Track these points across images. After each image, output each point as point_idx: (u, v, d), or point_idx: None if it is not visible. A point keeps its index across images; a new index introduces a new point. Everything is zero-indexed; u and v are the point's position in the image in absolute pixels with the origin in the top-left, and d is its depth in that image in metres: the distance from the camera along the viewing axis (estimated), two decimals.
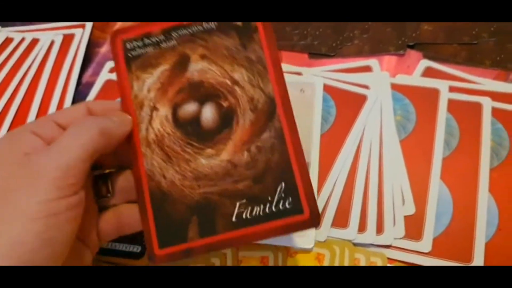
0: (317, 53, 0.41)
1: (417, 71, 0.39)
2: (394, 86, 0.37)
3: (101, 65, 0.43)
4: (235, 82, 0.25)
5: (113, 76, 0.42)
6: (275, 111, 0.24)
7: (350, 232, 0.32)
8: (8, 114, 0.40)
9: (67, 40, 0.44)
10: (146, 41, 0.26)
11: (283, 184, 0.24)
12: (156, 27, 0.26)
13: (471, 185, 0.33)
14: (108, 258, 0.32)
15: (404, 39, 0.41)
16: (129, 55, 0.26)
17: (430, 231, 0.31)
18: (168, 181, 0.24)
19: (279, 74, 0.25)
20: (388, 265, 0.31)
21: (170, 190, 0.24)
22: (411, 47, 0.40)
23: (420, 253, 0.31)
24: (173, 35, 0.26)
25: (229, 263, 0.31)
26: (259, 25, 0.26)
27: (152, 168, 0.25)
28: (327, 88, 0.37)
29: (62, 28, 0.45)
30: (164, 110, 0.25)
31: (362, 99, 0.37)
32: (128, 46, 0.26)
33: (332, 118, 0.36)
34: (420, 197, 0.33)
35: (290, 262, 0.31)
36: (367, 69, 0.39)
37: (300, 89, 0.37)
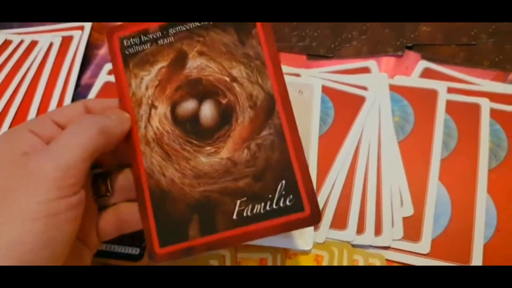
0: (316, 54, 0.41)
1: (415, 72, 0.39)
2: (393, 87, 0.37)
3: (99, 67, 0.43)
4: (233, 79, 0.25)
5: (112, 78, 0.41)
6: (274, 108, 0.24)
7: (349, 234, 0.32)
8: (7, 116, 0.40)
9: (66, 42, 0.44)
10: (143, 38, 0.26)
11: (283, 181, 0.24)
12: (153, 24, 0.26)
13: (470, 186, 0.33)
14: (106, 260, 0.32)
15: (402, 40, 0.41)
16: (126, 52, 0.26)
17: (428, 232, 0.32)
18: (168, 179, 0.24)
19: (278, 70, 0.25)
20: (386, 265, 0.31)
21: (170, 189, 0.24)
22: (410, 48, 0.40)
23: (418, 255, 0.31)
24: (170, 31, 0.26)
25: (227, 264, 0.31)
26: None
27: (151, 166, 0.24)
28: (325, 90, 0.37)
29: (60, 30, 0.45)
30: (162, 108, 0.25)
31: (360, 100, 0.37)
32: (125, 43, 0.26)
33: (331, 119, 0.36)
34: (418, 198, 0.33)
35: (288, 264, 0.31)
36: (366, 70, 0.39)
37: (299, 90, 0.37)
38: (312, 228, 0.32)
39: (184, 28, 0.26)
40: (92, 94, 0.41)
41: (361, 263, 0.31)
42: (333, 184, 0.33)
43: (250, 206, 0.23)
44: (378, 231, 0.32)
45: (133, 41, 0.26)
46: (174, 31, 0.26)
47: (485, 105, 0.36)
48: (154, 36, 0.26)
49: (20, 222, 0.19)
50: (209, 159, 0.24)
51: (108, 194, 0.26)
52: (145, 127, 0.25)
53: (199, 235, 0.23)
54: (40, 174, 0.20)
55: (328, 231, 0.32)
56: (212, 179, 0.24)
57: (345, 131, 0.35)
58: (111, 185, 0.26)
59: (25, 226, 0.19)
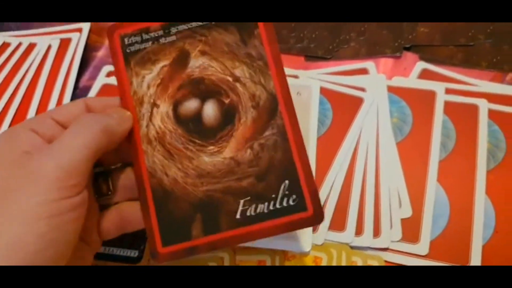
0: (314, 56, 0.41)
1: (413, 73, 0.39)
2: (391, 89, 0.37)
3: (98, 69, 0.43)
4: (236, 78, 0.25)
5: (110, 80, 0.42)
6: (277, 108, 0.24)
7: (347, 235, 0.32)
8: (6, 119, 0.40)
9: (64, 44, 0.44)
10: (145, 36, 0.26)
11: (286, 181, 0.24)
12: (154, 23, 0.26)
13: (468, 188, 0.33)
14: (105, 262, 0.32)
15: (400, 41, 0.41)
16: (127, 50, 0.26)
17: (427, 233, 0.31)
18: (171, 178, 0.24)
19: (281, 71, 0.25)
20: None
21: (172, 188, 0.24)
22: (408, 49, 0.40)
23: (417, 256, 0.31)
24: (171, 30, 0.26)
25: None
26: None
27: (153, 165, 0.24)
28: (323, 91, 0.37)
29: (59, 32, 0.45)
30: (164, 107, 0.25)
31: (358, 101, 0.37)
32: (126, 41, 0.26)
33: (329, 121, 0.36)
34: (416, 200, 0.33)
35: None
36: (364, 71, 0.39)
37: (297, 92, 0.37)
38: (310, 229, 0.32)
39: (186, 27, 0.26)
40: (91, 96, 0.41)
41: (359, 264, 0.31)
42: (332, 186, 0.33)
43: (253, 206, 0.23)
44: (376, 232, 0.32)
45: (134, 39, 0.26)
46: (175, 30, 0.26)
47: (483, 106, 0.36)
48: (156, 35, 0.26)
49: (22, 223, 0.19)
50: (212, 158, 0.24)
51: (109, 193, 0.25)
52: (147, 126, 0.25)
53: (202, 234, 0.23)
54: (43, 174, 0.20)
55: (326, 232, 0.32)
56: (215, 178, 0.24)
57: (343, 133, 0.35)
58: (112, 184, 0.26)
59: (28, 226, 0.19)
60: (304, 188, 0.23)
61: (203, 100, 0.25)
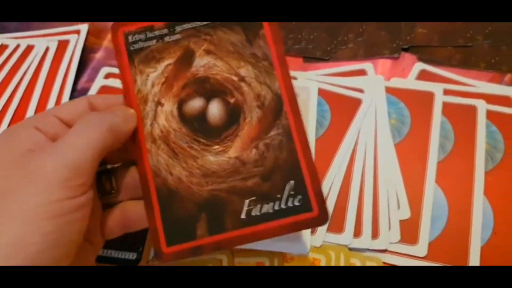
0: (312, 57, 0.41)
1: (411, 74, 0.39)
2: (389, 90, 0.37)
3: (96, 71, 0.43)
4: (241, 78, 0.25)
5: (109, 82, 0.42)
6: (282, 108, 0.24)
7: (346, 237, 0.32)
8: (4, 121, 0.40)
9: (62, 46, 0.44)
10: (149, 34, 0.26)
11: (291, 182, 0.24)
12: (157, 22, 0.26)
13: (466, 189, 0.33)
14: (103, 265, 0.32)
15: (398, 42, 0.41)
16: (131, 48, 0.26)
17: (425, 235, 0.31)
18: (175, 178, 0.24)
19: (285, 71, 0.25)
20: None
21: (177, 187, 0.24)
22: (406, 50, 0.40)
23: (415, 257, 0.31)
24: (176, 29, 0.26)
25: None
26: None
27: (158, 164, 0.24)
28: (321, 92, 0.37)
29: (56, 34, 0.45)
30: (169, 106, 0.25)
31: (356, 103, 0.37)
32: (130, 39, 0.26)
33: (327, 122, 0.36)
34: (415, 201, 0.33)
35: None
36: (362, 72, 0.39)
37: None
38: (309, 231, 0.32)
39: (191, 26, 0.26)
40: None
41: None
42: (330, 187, 0.33)
43: (258, 206, 0.23)
44: (375, 234, 0.32)
45: (139, 37, 0.26)
46: (180, 29, 0.26)
47: (482, 106, 0.36)
48: (160, 33, 0.26)
49: (26, 222, 0.19)
50: (217, 158, 0.24)
51: (112, 192, 0.25)
52: (151, 125, 0.25)
53: (207, 234, 0.23)
54: (48, 174, 0.20)
55: (325, 234, 0.32)
56: (220, 178, 0.24)
57: (342, 134, 0.35)
58: (115, 182, 0.25)
59: (32, 226, 0.19)
60: (309, 188, 0.24)
61: (208, 99, 0.25)
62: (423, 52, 0.40)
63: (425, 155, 0.34)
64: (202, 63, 0.25)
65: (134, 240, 0.32)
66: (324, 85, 0.38)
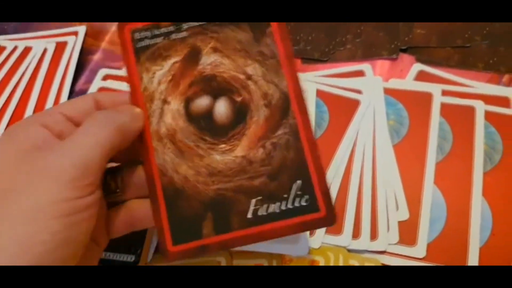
0: (310, 58, 0.41)
1: (410, 75, 0.39)
2: (387, 91, 0.37)
3: (94, 73, 0.43)
4: (248, 76, 0.25)
5: (107, 84, 0.42)
6: (289, 107, 0.24)
7: (344, 239, 0.32)
8: (1, 123, 0.40)
9: (60, 47, 0.44)
10: (155, 31, 0.25)
11: (298, 181, 0.23)
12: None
13: (465, 190, 0.33)
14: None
15: (396, 43, 0.41)
16: (138, 45, 0.25)
17: (424, 236, 0.31)
18: (181, 176, 0.24)
19: (293, 69, 0.25)
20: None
21: (183, 186, 0.24)
22: (404, 51, 0.40)
23: (414, 259, 0.31)
24: (183, 26, 0.25)
25: None
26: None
27: (164, 163, 0.24)
28: (320, 94, 0.37)
29: (54, 36, 0.45)
30: (175, 104, 0.25)
31: (355, 104, 0.37)
32: (136, 36, 0.26)
33: (325, 123, 0.36)
34: (413, 202, 0.33)
35: None
36: (360, 73, 0.39)
37: None
38: (307, 233, 0.32)
39: (198, 24, 0.25)
40: None
41: None
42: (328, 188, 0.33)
43: (265, 206, 0.23)
44: (373, 235, 0.32)
45: (145, 34, 0.25)
46: (187, 26, 0.25)
47: (480, 107, 0.36)
48: (167, 30, 0.25)
49: (36, 221, 0.19)
50: (224, 157, 0.24)
51: (117, 190, 0.25)
52: (157, 123, 0.25)
53: (213, 233, 0.23)
54: (57, 172, 0.20)
55: (323, 236, 0.32)
56: (226, 177, 0.24)
57: (340, 135, 0.35)
58: (120, 181, 0.25)
59: (42, 225, 0.19)
60: (317, 188, 0.23)
61: (215, 98, 0.25)
62: (421, 53, 0.40)
63: (423, 156, 0.34)
64: (209, 61, 0.25)
65: (132, 242, 0.32)
66: (322, 86, 0.38)
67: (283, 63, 0.25)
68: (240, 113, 0.24)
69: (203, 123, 0.24)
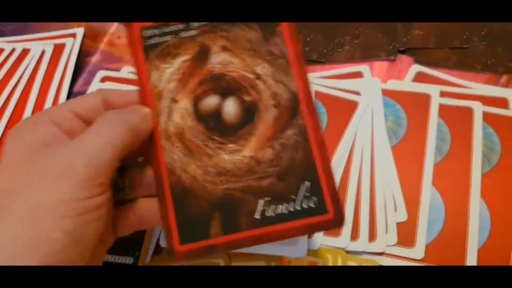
0: (308, 59, 0.41)
1: (408, 76, 0.39)
2: (385, 92, 0.37)
3: (92, 75, 0.43)
4: (257, 76, 0.24)
5: (105, 86, 0.42)
6: (298, 108, 0.24)
7: (343, 240, 0.32)
8: (0, 125, 0.40)
9: (58, 49, 0.44)
10: (165, 29, 0.25)
11: (307, 183, 0.23)
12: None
13: (463, 191, 0.33)
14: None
15: (394, 44, 0.41)
16: (147, 43, 0.25)
17: (422, 237, 0.31)
18: (190, 176, 0.24)
19: (302, 70, 0.24)
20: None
21: (191, 185, 0.24)
22: (402, 52, 0.40)
23: (413, 260, 0.31)
24: (192, 24, 0.25)
25: None
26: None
27: (172, 162, 0.24)
28: (318, 95, 0.37)
29: (52, 38, 0.45)
30: (184, 102, 0.24)
31: (353, 105, 0.37)
32: (145, 33, 0.25)
33: (324, 125, 0.36)
34: (412, 204, 0.33)
35: None
36: (358, 75, 0.39)
37: None
38: (306, 235, 0.32)
39: (208, 22, 0.25)
40: None
41: None
42: None
43: (273, 206, 0.23)
44: (372, 237, 0.32)
45: (154, 32, 0.25)
46: (197, 24, 0.25)
47: (478, 108, 0.36)
48: (176, 28, 0.25)
49: (47, 220, 0.19)
50: (232, 156, 0.24)
51: (125, 189, 0.25)
52: (166, 122, 0.24)
53: (221, 233, 0.23)
54: (70, 172, 0.20)
55: (322, 237, 0.32)
56: (235, 177, 0.24)
57: (338, 137, 0.35)
58: (127, 180, 0.25)
59: (53, 223, 0.19)
60: (325, 190, 0.23)
61: (224, 97, 0.24)
62: (420, 54, 0.40)
63: (421, 157, 0.34)
64: (218, 60, 0.25)
65: (131, 244, 0.32)
66: (320, 88, 0.38)
67: (293, 63, 0.25)
68: (249, 113, 0.24)
69: (211, 122, 0.24)
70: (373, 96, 0.37)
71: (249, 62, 0.25)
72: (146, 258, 0.32)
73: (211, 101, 0.24)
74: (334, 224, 0.23)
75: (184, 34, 0.25)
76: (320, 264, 0.31)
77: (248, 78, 0.25)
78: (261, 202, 0.23)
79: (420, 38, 0.41)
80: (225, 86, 0.24)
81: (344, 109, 0.37)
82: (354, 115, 0.36)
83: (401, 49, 0.40)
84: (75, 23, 0.46)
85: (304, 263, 0.31)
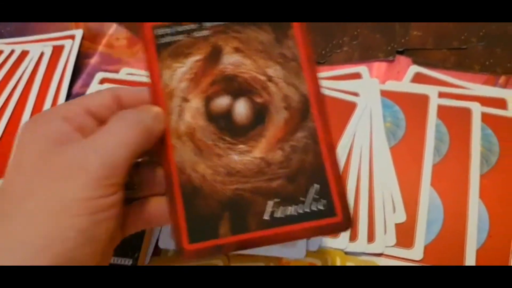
0: None
1: (406, 77, 0.39)
2: (384, 93, 0.38)
3: (91, 76, 0.43)
4: (269, 78, 0.25)
5: (104, 87, 0.42)
6: (309, 111, 0.24)
7: (342, 241, 0.32)
8: None
9: (57, 51, 0.44)
10: (177, 28, 0.25)
11: (316, 185, 0.23)
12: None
13: (462, 192, 0.33)
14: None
15: (393, 45, 0.41)
16: (159, 42, 0.25)
17: (421, 238, 0.32)
18: (199, 175, 0.24)
19: (314, 73, 0.25)
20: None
21: (201, 185, 0.24)
22: (401, 53, 0.41)
23: (411, 261, 0.31)
24: (205, 24, 0.25)
25: None
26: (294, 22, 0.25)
27: (182, 161, 0.24)
28: None
29: (51, 39, 0.45)
30: (195, 102, 0.24)
31: (351, 106, 0.37)
32: (158, 32, 0.25)
33: None
34: (410, 205, 0.33)
35: None
36: (357, 76, 0.39)
37: None
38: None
39: (221, 23, 0.25)
40: None
41: None
42: None
43: (282, 208, 0.23)
44: (371, 238, 0.32)
45: (166, 31, 0.25)
46: (209, 25, 0.25)
47: (476, 109, 0.36)
48: (189, 28, 0.25)
49: (61, 218, 0.19)
50: (242, 157, 0.24)
51: (135, 187, 0.25)
52: (177, 121, 0.24)
53: (230, 233, 0.23)
54: (86, 170, 0.20)
55: (321, 239, 0.32)
56: (244, 177, 0.24)
57: (337, 138, 0.35)
58: (137, 178, 0.25)
59: (67, 222, 0.19)
60: (334, 193, 0.23)
61: (235, 98, 0.24)
62: (418, 55, 0.40)
63: (420, 158, 0.34)
64: (231, 60, 0.25)
65: (130, 245, 0.32)
66: None
67: (304, 66, 0.25)
68: (260, 115, 0.24)
69: (222, 122, 0.24)
70: (372, 97, 0.37)
71: (261, 64, 0.25)
72: (145, 260, 0.32)
73: (222, 102, 0.24)
74: (343, 227, 0.23)
75: (197, 34, 0.25)
76: (319, 265, 0.31)
77: (259, 80, 0.25)
78: (270, 203, 0.23)
79: (419, 39, 0.41)
80: (236, 87, 0.25)
81: (342, 110, 0.37)
82: (353, 116, 0.36)
83: (400, 50, 0.40)
84: (73, 25, 0.46)
85: (303, 264, 0.31)
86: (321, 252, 0.31)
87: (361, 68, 0.39)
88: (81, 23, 0.46)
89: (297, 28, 0.25)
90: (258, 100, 0.24)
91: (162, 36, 0.25)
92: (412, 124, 0.36)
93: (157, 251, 0.33)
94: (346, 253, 0.32)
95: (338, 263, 0.31)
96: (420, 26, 0.41)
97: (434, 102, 0.37)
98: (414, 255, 0.31)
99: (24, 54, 0.44)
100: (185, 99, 0.25)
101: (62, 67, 0.43)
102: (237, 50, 0.25)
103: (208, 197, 0.24)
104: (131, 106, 0.25)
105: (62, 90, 0.41)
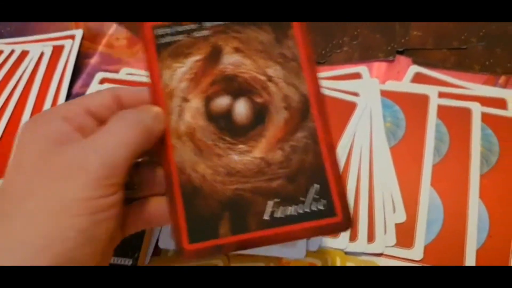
0: None
1: (406, 77, 0.39)
2: (384, 93, 0.38)
3: (91, 76, 0.43)
4: (269, 78, 0.25)
5: (104, 87, 0.42)
6: (309, 111, 0.24)
7: (342, 241, 0.32)
8: None
9: (57, 51, 0.44)
10: (177, 28, 0.25)
11: (316, 185, 0.23)
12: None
13: (462, 192, 0.33)
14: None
15: (393, 45, 0.41)
16: (159, 42, 0.25)
17: (421, 238, 0.32)
18: (199, 175, 0.24)
19: (314, 73, 0.25)
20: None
21: (201, 185, 0.24)
22: (401, 53, 0.41)
23: (411, 261, 0.31)
24: (205, 24, 0.25)
25: None
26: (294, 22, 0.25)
27: (182, 161, 0.24)
28: None
29: (51, 39, 0.45)
30: (195, 102, 0.24)
31: (351, 106, 0.37)
32: (158, 32, 0.25)
33: None
34: (410, 205, 0.33)
35: None
36: (357, 76, 0.39)
37: None
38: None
39: (221, 22, 0.25)
40: None
41: None
42: None
43: (282, 208, 0.23)
44: (371, 238, 0.32)
45: (166, 31, 0.25)
46: (209, 25, 0.25)
47: (476, 109, 0.36)
48: (189, 28, 0.25)
49: (61, 218, 0.19)
50: (242, 157, 0.24)
51: (135, 187, 0.25)
52: (177, 121, 0.24)
53: (230, 233, 0.23)
54: (87, 169, 0.20)
55: (321, 239, 0.32)
56: (244, 177, 0.24)
57: (337, 138, 0.35)
58: (137, 178, 0.25)
59: (67, 222, 0.19)
60: (334, 193, 0.23)
61: (235, 98, 0.24)
62: (418, 55, 0.40)
63: (420, 158, 0.34)
64: (231, 60, 0.25)
65: (130, 245, 0.32)
66: None
67: (304, 66, 0.25)
68: (260, 115, 0.24)
69: (222, 122, 0.24)
70: (372, 97, 0.37)
71: (261, 64, 0.25)
72: (145, 260, 0.32)
73: (222, 102, 0.24)
74: (343, 227, 0.23)
75: (197, 34, 0.25)
76: (319, 265, 0.31)
77: (259, 80, 0.25)
78: (270, 203, 0.23)
79: (419, 39, 0.41)
80: (236, 87, 0.25)
81: (342, 110, 0.37)
82: (353, 116, 0.36)
83: (400, 50, 0.40)
84: (73, 25, 0.46)
85: (303, 264, 0.31)
86: (321, 252, 0.31)
87: (361, 68, 0.39)
88: (81, 23, 0.46)
89: (297, 28, 0.25)
90: (258, 100, 0.24)
91: (162, 36, 0.25)
92: (412, 124, 0.36)
93: (157, 251, 0.33)
94: (346, 253, 0.32)
95: (338, 263, 0.31)
96: (420, 26, 0.41)
97: (434, 102, 0.37)
98: (414, 255, 0.31)
99: (24, 54, 0.44)
100: (185, 99, 0.25)
101: (62, 67, 0.43)
102: (237, 50, 0.25)
103: (208, 197, 0.24)
104: (131, 106, 0.25)
105: (62, 90, 0.41)
